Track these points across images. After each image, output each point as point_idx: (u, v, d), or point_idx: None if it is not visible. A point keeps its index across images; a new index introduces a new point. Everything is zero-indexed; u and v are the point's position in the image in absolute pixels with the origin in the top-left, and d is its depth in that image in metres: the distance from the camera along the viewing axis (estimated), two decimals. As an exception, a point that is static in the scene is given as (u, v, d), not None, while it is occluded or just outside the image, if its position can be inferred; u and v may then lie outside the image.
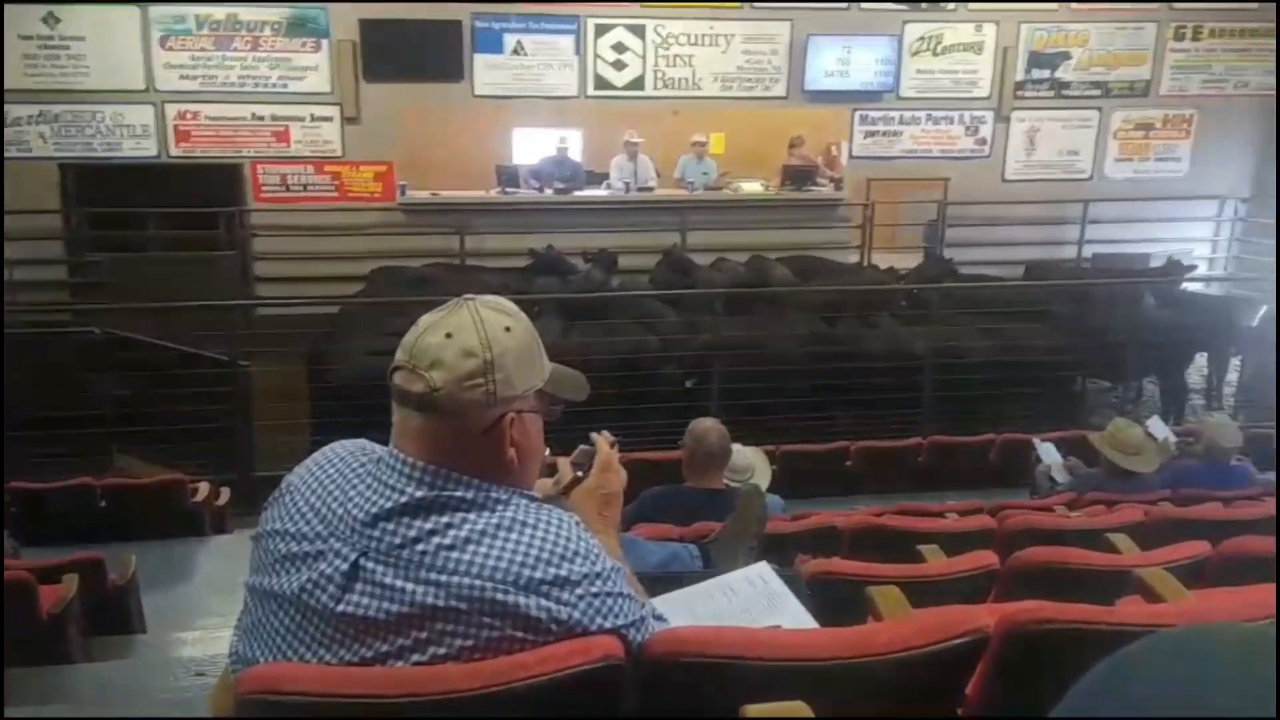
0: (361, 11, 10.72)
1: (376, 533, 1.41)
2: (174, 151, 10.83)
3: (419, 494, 1.42)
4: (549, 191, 11.02)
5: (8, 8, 9.94)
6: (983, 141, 12.24)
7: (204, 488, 5.98)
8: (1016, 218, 11.90)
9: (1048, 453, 5.80)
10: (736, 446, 4.42)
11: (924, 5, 11.75)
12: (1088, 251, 12.09)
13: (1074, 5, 11.99)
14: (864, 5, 11.59)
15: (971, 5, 11.82)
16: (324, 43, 10.81)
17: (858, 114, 11.96)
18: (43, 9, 10.23)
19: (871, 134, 12.05)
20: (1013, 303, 8.64)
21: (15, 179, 10.21)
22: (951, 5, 11.80)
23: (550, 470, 1.76)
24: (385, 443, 1.50)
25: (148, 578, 4.49)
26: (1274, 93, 12.36)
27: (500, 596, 1.38)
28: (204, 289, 8.34)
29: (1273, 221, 11.96)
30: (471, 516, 1.42)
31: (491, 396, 1.44)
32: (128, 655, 3.93)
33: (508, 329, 1.46)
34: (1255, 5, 12.12)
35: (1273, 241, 11.89)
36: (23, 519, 5.07)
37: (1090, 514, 4.20)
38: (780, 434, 6.63)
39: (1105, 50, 12.18)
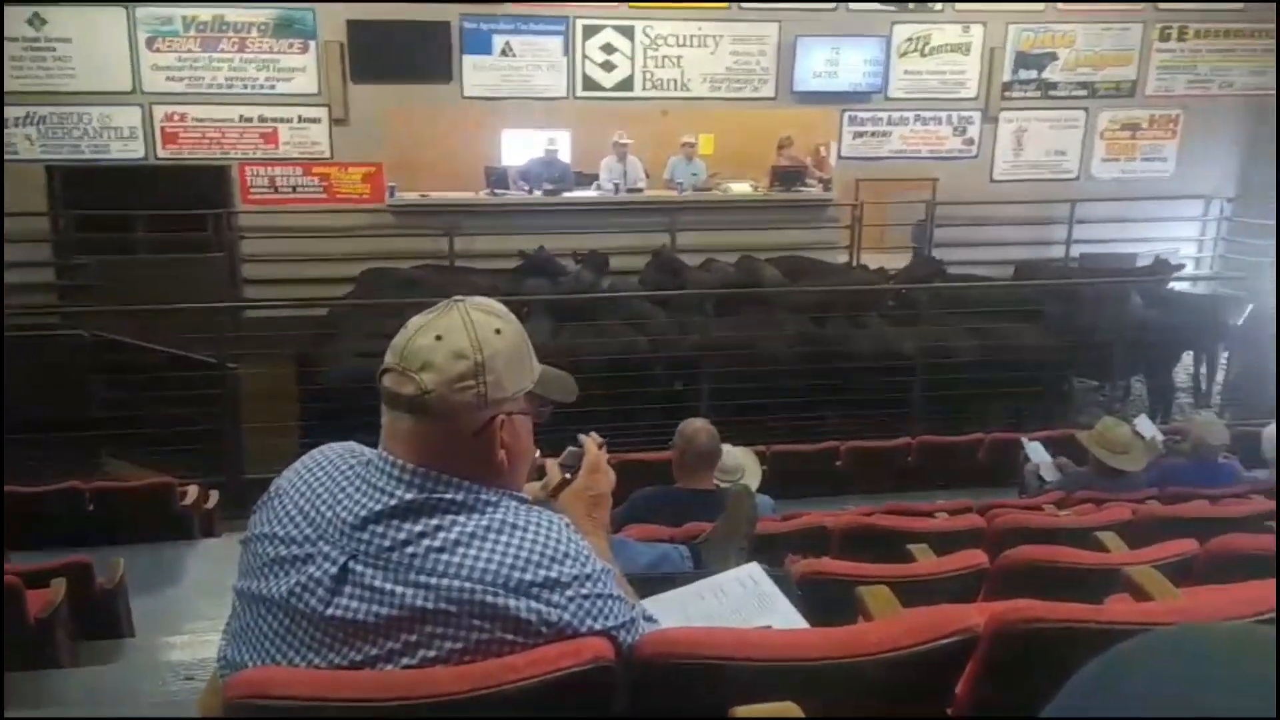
0: (349, 12, 10.69)
1: (366, 535, 1.40)
2: (161, 153, 10.78)
3: (408, 496, 1.41)
4: (538, 193, 11.02)
5: (-4, 9, 9.90)
6: (970, 142, 12.28)
7: (193, 491, 5.95)
8: (1004, 218, 11.94)
9: (1036, 452, 5.82)
10: (726, 447, 4.43)
11: (911, 6, 11.78)
12: (1075, 251, 12.15)
13: (1060, 6, 12.03)
14: (852, 6, 11.61)
15: (959, 6, 11.85)
16: (311, 44, 10.78)
17: (846, 115, 11.98)
18: (27, 10, 10.17)
19: (860, 134, 12.07)
20: (1002, 302, 8.66)
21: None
22: (939, 6, 11.83)
23: (539, 472, 1.76)
24: (375, 445, 1.50)
25: (136, 581, 4.47)
26: (1259, 93, 12.44)
27: (490, 599, 1.37)
28: (192, 291, 8.30)
29: (1258, 221, 12.05)
30: (461, 519, 1.42)
31: (482, 399, 1.44)
32: (116, 659, 3.91)
33: (498, 331, 1.46)
34: (1240, 6, 12.20)
35: (1259, 241, 11.96)
36: (10, 523, 5.04)
37: (1079, 513, 4.22)
38: (770, 434, 6.64)
39: (1092, 51, 12.23)
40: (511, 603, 1.38)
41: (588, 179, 11.35)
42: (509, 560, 1.39)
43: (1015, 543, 3.02)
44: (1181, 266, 10.63)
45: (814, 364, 7.77)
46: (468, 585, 1.37)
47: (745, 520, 2.47)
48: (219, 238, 10.72)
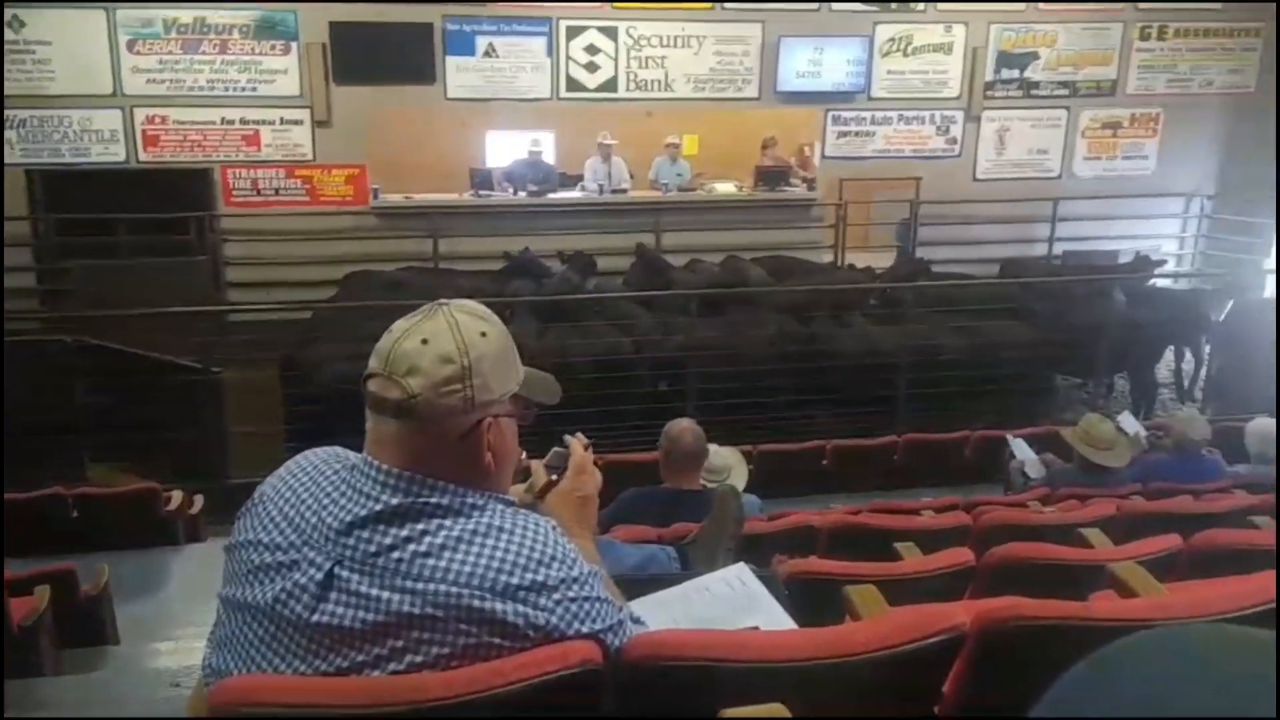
0: (331, 14, 10.65)
1: (351, 541, 1.40)
2: (143, 156, 10.72)
3: (394, 501, 1.41)
4: (522, 194, 11.01)
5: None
6: (953, 141, 12.32)
7: (177, 496, 5.92)
8: (987, 217, 11.99)
9: (1021, 449, 5.85)
10: (713, 447, 4.43)
11: (894, 6, 11.81)
12: (1058, 249, 12.22)
13: (1041, 6, 12.09)
14: (835, 6, 11.63)
15: (941, 6, 11.89)
16: (293, 45, 10.74)
17: (830, 114, 12.01)
18: (6, 12, 10.10)
19: (844, 134, 12.10)
20: (987, 301, 8.70)
21: (-18, 186, 10.09)
22: (921, 6, 11.87)
23: (524, 474, 1.76)
24: (360, 449, 1.49)
25: (121, 588, 4.45)
26: (1238, 91, 12.54)
27: (477, 603, 1.37)
28: (175, 295, 8.26)
29: (1237, 218, 12.16)
30: (447, 523, 1.41)
31: (469, 402, 1.43)
32: (101, 667, 3.89)
33: (483, 334, 1.46)
34: (1219, 5, 12.29)
35: (1239, 238, 12.08)
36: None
37: (1064, 509, 4.24)
38: (757, 434, 6.65)
39: (1073, 50, 12.29)
40: (498, 606, 1.38)
41: (572, 180, 11.35)
42: (495, 564, 1.39)
43: (1001, 540, 3.04)
44: (1163, 263, 10.70)
45: (800, 363, 7.78)
46: (454, 590, 1.37)
47: (732, 520, 2.47)
48: (201, 241, 10.66)
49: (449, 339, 1.42)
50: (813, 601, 2.29)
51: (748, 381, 7.34)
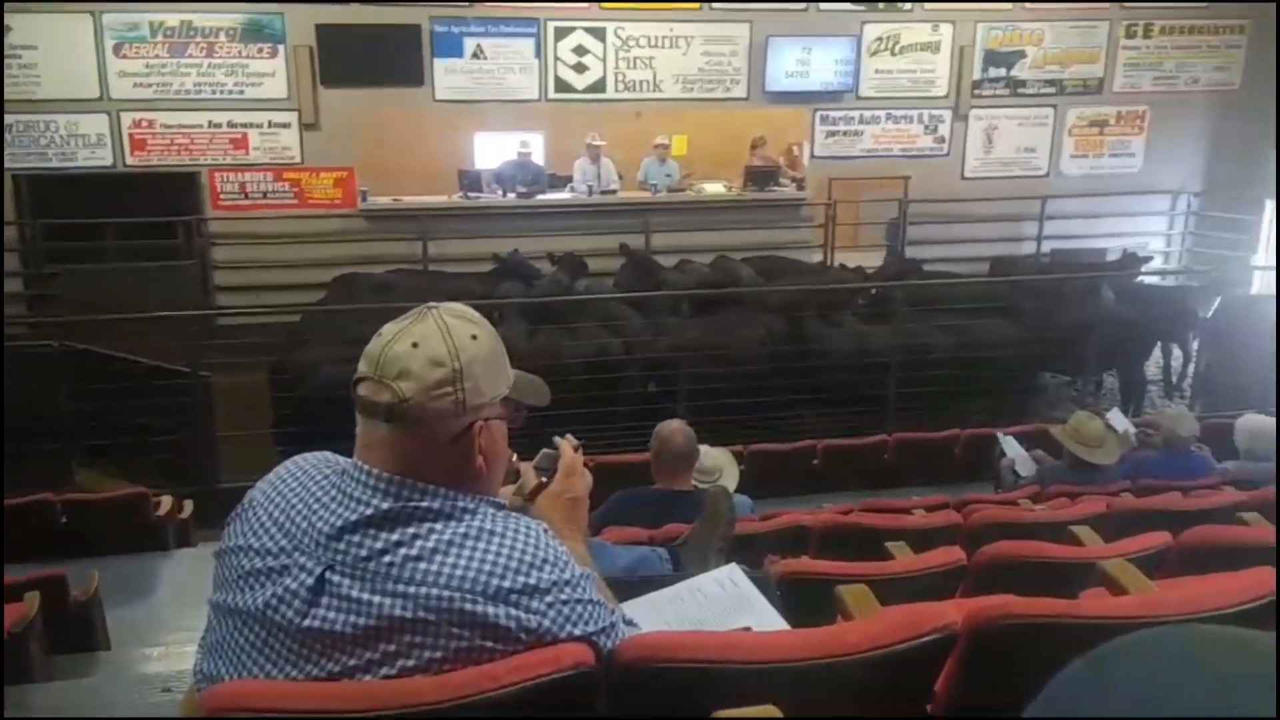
0: (318, 16, 10.63)
1: (342, 546, 1.39)
2: (130, 160, 10.69)
3: (385, 506, 1.41)
4: (511, 195, 10.99)
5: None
6: (941, 140, 12.36)
7: (167, 501, 5.90)
8: (976, 215, 12.02)
9: (1011, 446, 5.86)
10: (704, 447, 4.43)
11: (881, 6, 11.84)
12: (1046, 247, 12.27)
13: (1028, 5, 12.14)
14: (822, 6, 11.66)
15: (928, 5, 11.93)
16: (280, 48, 10.72)
17: (818, 114, 12.03)
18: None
19: (832, 134, 12.13)
20: (976, 299, 8.72)
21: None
22: (908, 6, 11.90)
23: (514, 476, 1.75)
24: (350, 453, 1.49)
25: (111, 593, 4.43)
26: (1224, 88, 12.61)
27: (469, 607, 1.37)
28: (163, 299, 8.23)
29: (1224, 215, 12.23)
30: (438, 527, 1.41)
31: (460, 405, 1.43)
32: (91, 673, 3.87)
33: (474, 337, 1.46)
34: (1204, 4, 12.35)
35: (1225, 234, 12.16)
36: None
37: (1054, 506, 4.26)
38: (747, 434, 6.65)
39: (1059, 49, 12.34)
40: (490, 610, 1.37)
41: (561, 181, 11.34)
42: (487, 567, 1.39)
43: (992, 538, 3.04)
44: (1149, 259, 10.74)
45: (790, 363, 7.79)
46: (446, 593, 1.37)
47: (724, 521, 2.47)
48: (189, 245, 10.63)
49: (440, 342, 1.42)
50: (805, 602, 2.29)
51: (738, 382, 7.34)
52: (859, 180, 11.98)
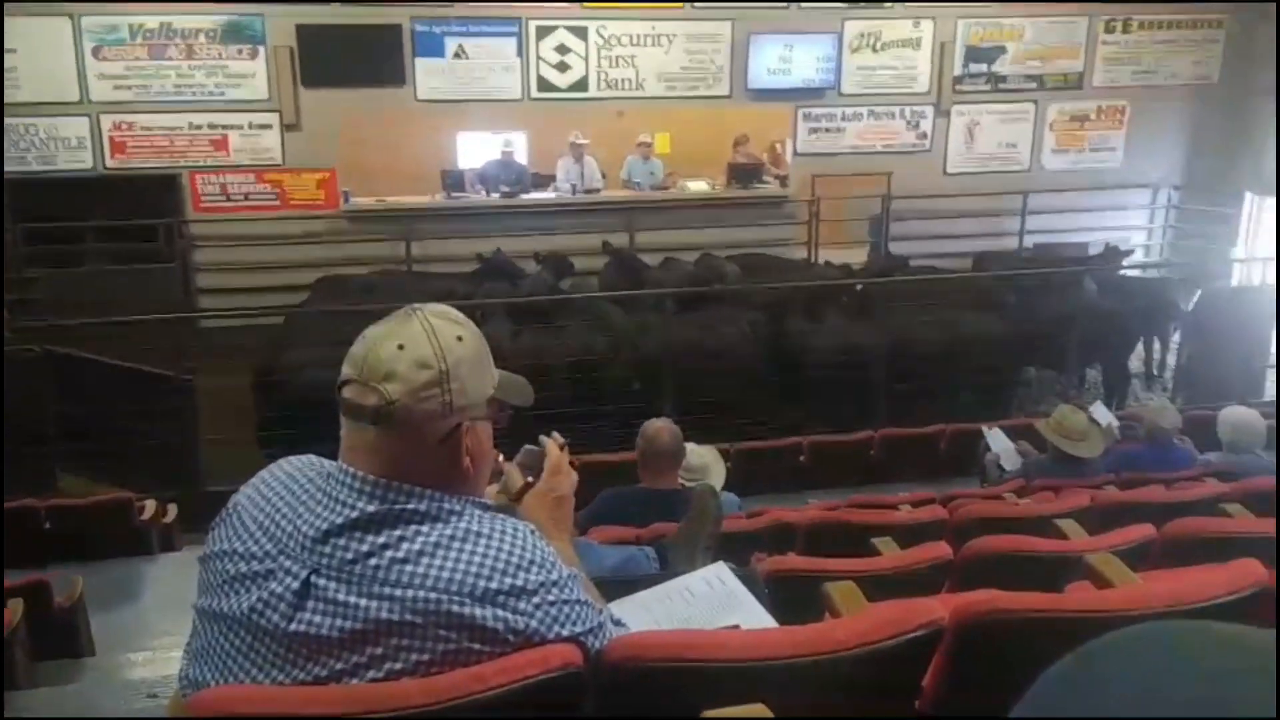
0: (298, 17, 10.58)
1: (327, 549, 1.39)
2: (110, 163, 10.61)
3: (370, 508, 1.40)
4: (495, 195, 10.98)
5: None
6: (924, 136, 12.39)
7: (151, 505, 5.87)
8: (959, 210, 12.06)
9: (997, 439, 5.88)
10: (690, 445, 4.43)
11: (862, 3, 11.86)
12: (1028, 241, 12.32)
13: (1008, 1, 12.18)
14: (804, 4, 11.67)
15: (909, 2, 11.95)
16: (261, 49, 10.66)
17: (801, 111, 12.04)
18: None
19: (815, 131, 12.14)
20: (961, 294, 8.75)
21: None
22: (889, 2, 11.92)
23: (497, 475, 1.75)
24: (335, 456, 1.48)
25: (96, 599, 4.41)
26: (1203, 82, 12.69)
27: (456, 608, 1.36)
28: (145, 303, 8.19)
29: (1204, 208, 12.32)
30: (424, 529, 1.41)
31: (447, 407, 1.43)
32: (76, 679, 3.85)
33: (459, 338, 1.45)
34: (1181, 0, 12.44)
35: (1206, 227, 12.24)
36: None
37: (1039, 500, 4.28)
38: (734, 431, 6.66)
39: (1039, 44, 12.39)
40: (478, 612, 1.37)
41: (545, 180, 11.33)
42: (474, 569, 1.39)
43: (978, 533, 3.06)
44: (1131, 252, 10.81)
45: (776, 360, 7.80)
46: (433, 595, 1.36)
47: (711, 519, 2.47)
48: (171, 248, 10.57)
49: (425, 344, 1.41)
50: (792, 599, 2.30)
51: (724, 379, 7.34)
52: (842, 177, 11.99)
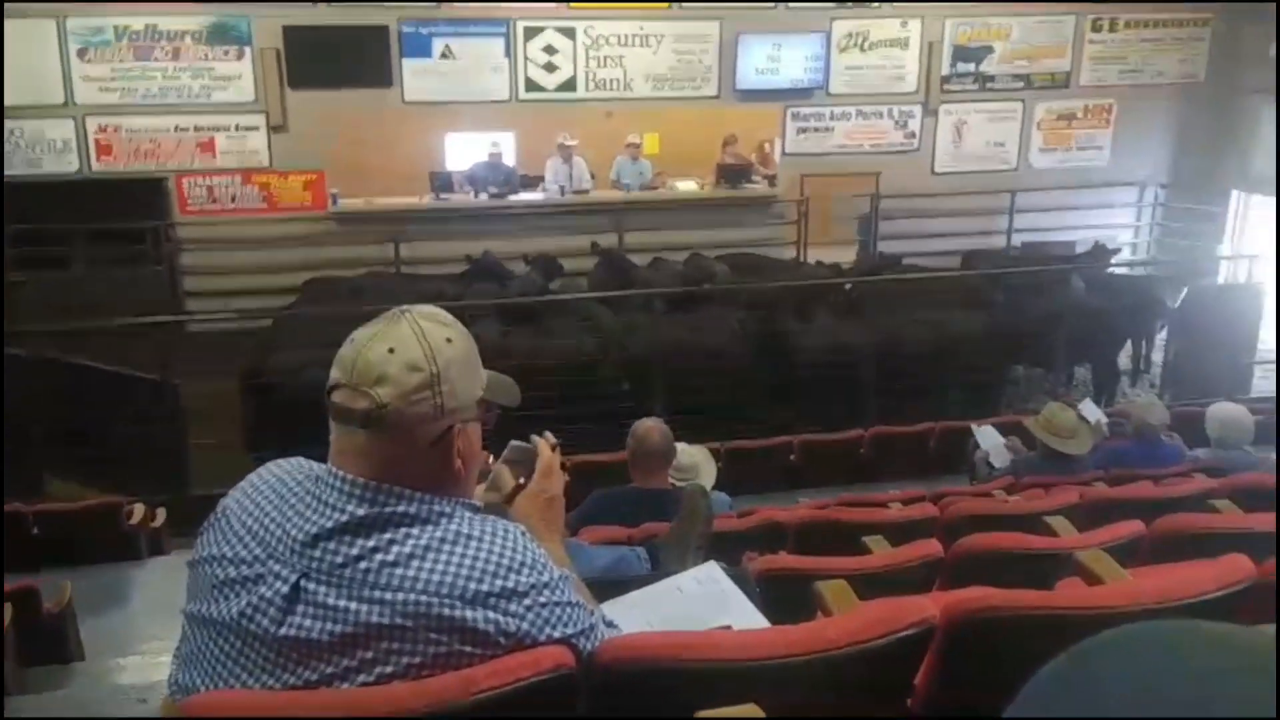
0: (285, 18, 10.54)
1: (317, 553, 1.38)
2: (96, 166, 10.57)
3: (360, 512, 1.39)
4: (483, 196, 10.96)
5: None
6: (912, 135, 12.42)
7: (139, 510, 5.84)
8: (947, 209, 12.09)
9: (988, 435, 5.90)
10: (681, 445, 4.43)
11: (850, 2, 11.88)
12: (1016, 240, 12.37)
13: (995, 1, 12.22)
14: (792, 4, 11.68)
15: (897, 2, 11.98)
16: (247, 51, 10.63)
17: (789, 111, 12.06)
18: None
19: (803, 131, 12.16)
20: (950, 293, 8.77)
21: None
22: (877, 3, 11.94)
23: (486, 475, 1.74)
24: (324, 459, 1.47)
25: (85, 604, 4.39)
26: (1189, 81, 12.75)
27: (446, 611, 1.36)
28: (132, 306, 8.15)
29: (1191, 206, 12.38)
30: (415, 531, 1.40)
31: (439, 409, 1.42)
32: (66, 684, 3.83)
33: (449, 340, 1.45)
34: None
35: (1192, 225, 12.30)
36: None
37: (1028, 497, 4.29)
38: (724, 431, 6.66)
39: (1027, 43, 12.43)
40: (469, 614, 1.37)
41: (533, 181, 11.32)
42: (464, 571, 1.38)
43: (968, 530, 3.06)
44: (1118, 250, 10.85)
45: (766, 359, 7.81)
46: (423, 598, 1.36)
47: (701, 519, 2.47)
48: (157, 251, 10.52)
49: (416, 347, 1.41)
50: (783, 598, 2.30)
51: (714, 379, 7.35)
52: (831, 177, 12.02)
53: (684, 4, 11.45)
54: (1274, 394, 8.24)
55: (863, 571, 2.73)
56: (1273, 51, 11.44)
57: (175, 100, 10.60)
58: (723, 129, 11.78)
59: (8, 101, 10.17)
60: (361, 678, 1.36)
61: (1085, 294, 8.81)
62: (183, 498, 6.49)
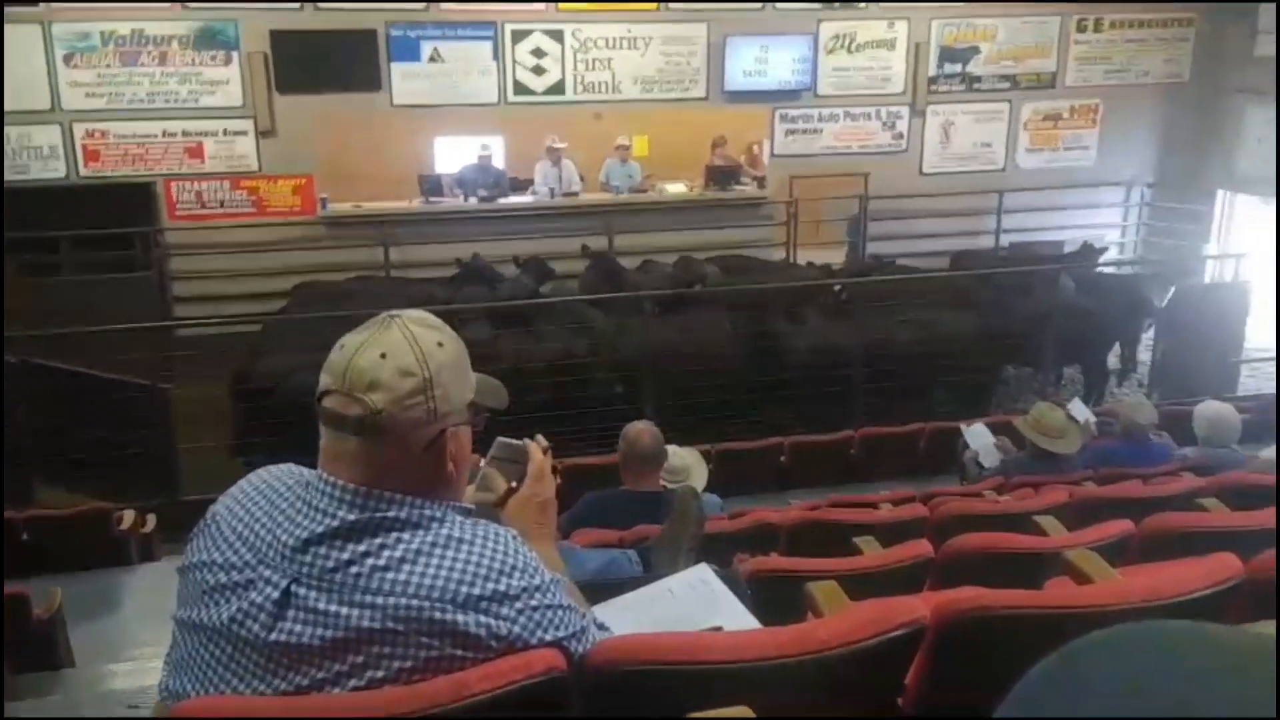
0: (272, 23, 10.52)
1: (308, 558, 1.38)
2: (83, 172, 10.52)
3: (351, 517, 1.39)
4: (473, 199, 10.95)
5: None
6: (900, 136, 12.46)
7: (129, 515, 5.83)
8: (935, 210, 12.12)
9: (978, 435, 5.92)
10: (672, 447, 4.44)
11: (837, 4, 11.91)
12: (1004, 240, 12.41)
13: (981, 1, 12.26)
14: (779, 5, 11.71)
15: (884, 3, 12.02)
16: (234, 55, 10.60)
17: (778, 113, 12.08)
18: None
19: (792, 132, 12.18)
20: (940, 294, 8.79)
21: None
22: (864, 4, 11.98)
23: (474, 474, 1.74)
24: (315, 465, 1.47)
25: (75, 610, 4.37)
26: (1174, 81, 12.82)
27: (438, 615, 1.36)
28: (120, 312, 8.11)
29: (1177, 205, 12.44)
30: (406, 536, 1.40)
31: (432, 413, 1.42)
32: (56, 691, 3.82)
33: (440, 344, 1.45)
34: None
35: (1179, 225, 12.37)
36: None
37: (1018, 497, 4.31)
38: (715, 433, 6.67)
39: (1013, 44, 12.48)
40: (460, 618, 1.37)
41: (523, 184, 11.31)
42: (456, 575, 1.38)
43: (958, 530, 3.07)
44: (1105, 250, 10.90)
45: (756, 361, 7.82)
46: (414, 602, 1.36)
47: (693, 521, 2.48)
48: (146, 256, 10.49)
49: (408, 352, 1.41)
50: (775, 599, 2.30)
51: (705, 381, 7.36)
52: (819, 178, 12.04)
53: (671, 6, 11.46)
54: (1260, 392, 8.30)
55: (853, 572, 2.74)
56: (1258, 51, 11.52)
57: (163, 105, 10.56)
58: (711, 131, 11.79)
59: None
60: (353, 682, 1.36)
61: (1075, 294, 8.84)
62: (173, 503, 6.48)
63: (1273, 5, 11.23)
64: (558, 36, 11.30)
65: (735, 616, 1.82)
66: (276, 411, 6.47)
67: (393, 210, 10.94)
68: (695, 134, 11.73)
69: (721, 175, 11.60)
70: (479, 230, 10.74)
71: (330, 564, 1.38)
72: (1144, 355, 9.39)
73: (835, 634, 1.60)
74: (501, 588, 1.40)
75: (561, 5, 11.24)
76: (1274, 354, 8.40)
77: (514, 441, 1.76)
